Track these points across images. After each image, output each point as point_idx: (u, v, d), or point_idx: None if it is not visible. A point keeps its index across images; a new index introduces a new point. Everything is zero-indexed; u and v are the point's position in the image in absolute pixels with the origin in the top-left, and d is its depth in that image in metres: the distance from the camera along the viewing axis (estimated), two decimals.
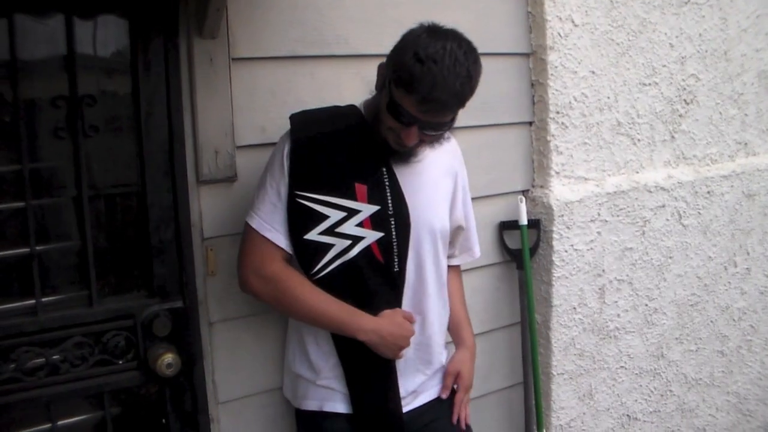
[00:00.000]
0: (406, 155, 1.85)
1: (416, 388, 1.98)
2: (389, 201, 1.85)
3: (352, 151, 1.85)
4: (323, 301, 1.83)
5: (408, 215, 1.87)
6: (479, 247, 2.21)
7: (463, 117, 2.41)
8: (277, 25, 2.07)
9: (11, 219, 1.82)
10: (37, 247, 1.82)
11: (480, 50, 2.45)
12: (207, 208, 2.01)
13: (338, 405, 1.92)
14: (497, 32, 2.52)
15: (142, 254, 1.96)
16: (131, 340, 1.92)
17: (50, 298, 1.86)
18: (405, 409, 1.94)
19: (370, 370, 1.89)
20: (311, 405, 1.95)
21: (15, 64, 1.77)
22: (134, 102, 1.91)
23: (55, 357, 1.83)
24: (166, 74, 1.92)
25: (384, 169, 1.86)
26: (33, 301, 1.82)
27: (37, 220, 1.83)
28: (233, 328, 2.08)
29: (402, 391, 1.93)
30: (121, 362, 1.91)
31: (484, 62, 2.46)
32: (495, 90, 2.51)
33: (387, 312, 1.86)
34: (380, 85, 1.80)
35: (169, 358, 1.91)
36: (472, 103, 2.43)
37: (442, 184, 2.00)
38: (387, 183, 1.85)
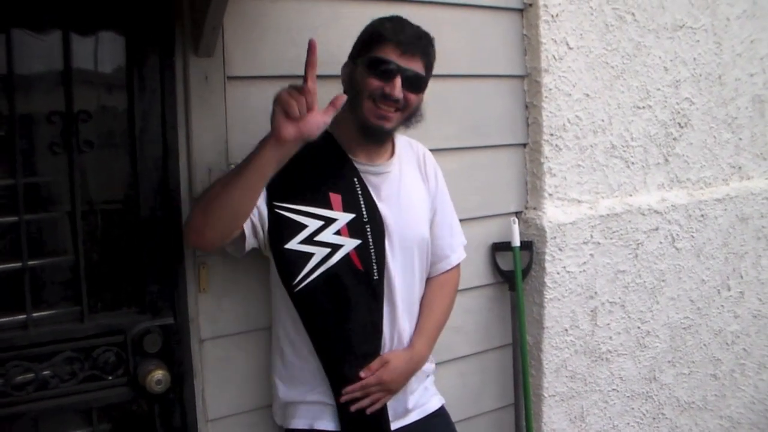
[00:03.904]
0: (386, 132, 1.90)
1: (402, 405, 1.98)
2: (363, 209, 1.89)
3: (324, 164, 1.90)
4: (230, 172, 1.80)
5: (382, 222, 1.91)
6: (460, 254, 2.18)
7: (457, 138, 2.45)
8: (273, 44, 2.08)
9: (4, 233, 1.82)
10: (29, 262, 1.82)
11: (475, 72, 2.50)
12: None
13: (329, 423, 1.92)
14: (492, 54, 2.54)
15: (134, 270, 1.96)
16: (121, 356, 1.91)
17: (41, 313, 1.86)
18: (394, 426, 1.95)
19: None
20: (301, 423, 1.95)
21: (12, 79, 1.78)
22: (129, 118, 1.92)
23: (44, 372, 1.82)
24: (162, 91, 1.93)
25: (355, 179, 1.91)
26: (24, 316, 1.82)
27: (29, 234, 1.83)
28: (224, 346, 2.07)
29: (390, 409, 1.94)
30: (110, 378, 1.91)
31: (479, 84, 2.51)
32: (489, 111, 2.53)
33: None
34: (348, 73, 1.91)
35: (158, 374, 1.90)
36: (466, 124, 2.47)
37: (416, 191, 2.04)
38: (360, 192, 1.90)
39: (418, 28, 1.90)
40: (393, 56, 1.83)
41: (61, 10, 1.81)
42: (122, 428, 1.97)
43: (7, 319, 1.82)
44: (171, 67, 1.94)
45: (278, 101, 1.69)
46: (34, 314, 1.84)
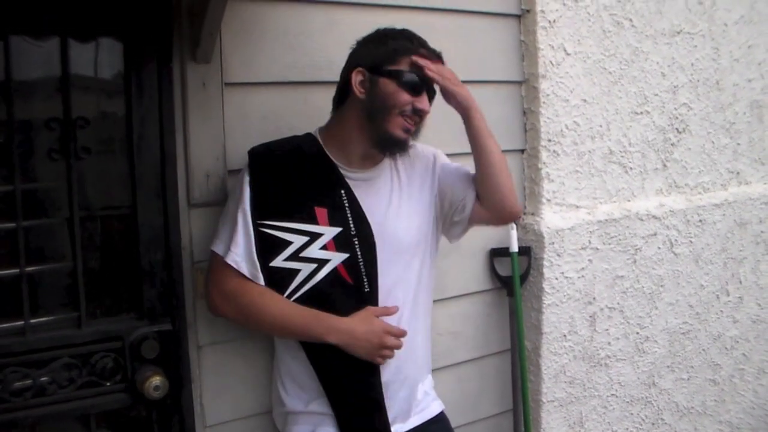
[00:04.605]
0: (408, 144, 1.93)
1: (402, 410, 1.97)
2: (351, 222, 1.88)
3: (310, 176, 1.90)
4: (287, 307, 1.84)
5: (372, 234, 1.90)
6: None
7: (455, 143, 2.44)
8: (270, 50, 2.09)
9: (2, 239, 1.82)
10: (27, 268, 1.82)
11: (472, 78, 2.50)
12: (197, 231, 2.01)
13: (330, 429, 1.91)
14: (490, 60, 2.55)
15: (132, 276, 1.96)
16: (119, 362, 1.91)
17: (39, 319, 1.86)
18: (394, 429, 1.93)
19: (353, 390, 1.89)
20: (303, 430, 1.94)
21: (10, 86, 1.78)
22: (127, 125, 1.92)
23: (42, 378, 1.82)
24: (159, 98, 1.94)
25: (342, 192, 1.90)
26: (21, 322, 1.82)
27: (27, 240, 1.83)
28: (222, 352, 2.07)
29: (390, 414, 1.92)
30: (108, 384, 1.90)
31: (477, 90, 2.49)
32: (487, 117, 2.50)
33: (359, 312, 1.87)
34: (364, 84, 1.87)
35: (156, 380, 1.90)
36: (463, 130, 2.46)
37: (410, 192, 2.02)
38: (347, 205, 1.90)
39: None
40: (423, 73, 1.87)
41: (59, 17, 1.81)
42: None
43: (4, 325, 1.82)
44: (169, 73, 1.95)
45: (381, 344, 1.85)
46: (32, 320, 1.83)
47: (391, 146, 1.90)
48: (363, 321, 1.85)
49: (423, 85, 1.87)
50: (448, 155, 2.36)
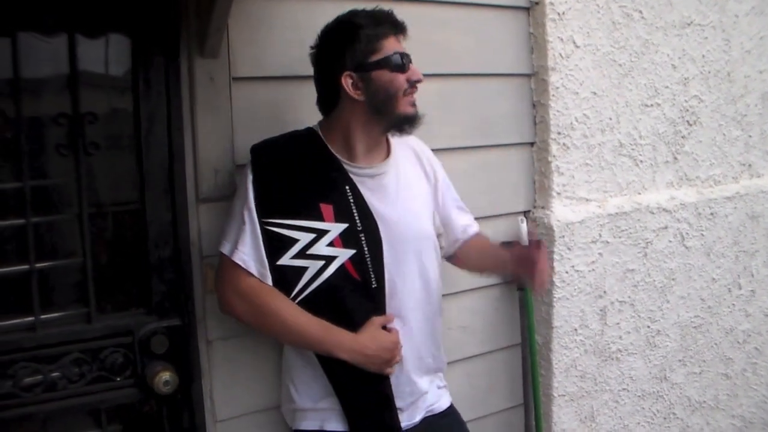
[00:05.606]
0: (418, 117, 1.92)
1: (411, 403, 1.97)
2: (356, 218, 1.87)
3: (314, 172, 1.89)
4: (301, 317, 1.83)
5: (377, 230, 1.89)
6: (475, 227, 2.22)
7: (464, 137, 2.45)
8: (278, 44, 2.08)
9: (11, 235, 1.83)
10: (37, 264, 1.83)
11: (481, 71, 2.50)
12: (206, 226, 2.01)
13: (339, 424, 1.91)
14: (499, 53, 2.53)
15: (141, 272, 1.96)
16: (129, 357, 1.92)
17: (49, 315, 1.86)
18: (403, 425, 1.94)
19: (362, 389, 1.89)
20: (311, 425, 1.94)
21: (18, 82, 1.78)
22: (135, 120, 1.92)
23: (53, 373, 1.83)
24: (167, 93, 1.94)
25: (347, 187, 1.89)
26: (32, 318, 1.83)
27: (37, 236, 1.84)
28: (232, 347, 2.07)
29: (398, 408, 1.92)
30: (118, 379, 1.91)
31: (486, 83, 2.50)
32: (496, 110, 2.52)
33: (366, 326, 1.86)
34: (356, 83, 1.86)
35: (166, 375, 1.91)
36: (472, 123, 2.47)
37: (416, 188, 2.03)
38: (352, 201, 1.88)
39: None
40: (399, 47, 1.87)
41: (67, 13, 1.82)
42: (131, 429, 1.97)
43: (15, 321, 1.83)
44: (176, 68, 1.95)
45: (392, 358, 1.88)
46: (42, 316, 1.84)
47: (406, 124, 1.90)
48: (373, 338, 1.85)
49: (407, 58, 1.87)
50: (452, 149, 2.36)
